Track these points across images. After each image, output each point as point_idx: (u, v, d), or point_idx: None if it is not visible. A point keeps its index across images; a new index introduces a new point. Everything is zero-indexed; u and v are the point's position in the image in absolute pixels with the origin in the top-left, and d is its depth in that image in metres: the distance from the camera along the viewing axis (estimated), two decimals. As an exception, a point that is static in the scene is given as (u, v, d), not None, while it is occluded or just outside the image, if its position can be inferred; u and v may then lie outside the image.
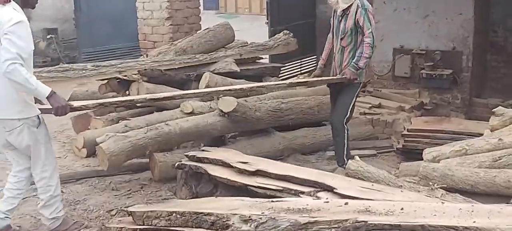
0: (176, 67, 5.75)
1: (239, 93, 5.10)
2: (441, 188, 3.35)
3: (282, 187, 3.25)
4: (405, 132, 5.50)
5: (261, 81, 6.45)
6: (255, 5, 20.04)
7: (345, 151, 4.90)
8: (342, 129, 4.86)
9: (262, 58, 6.96)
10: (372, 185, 3.25)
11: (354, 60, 4.70)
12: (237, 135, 5.52)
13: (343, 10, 4.75)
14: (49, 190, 3.63)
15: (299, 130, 5.64)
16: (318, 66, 5.22)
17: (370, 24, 4.65)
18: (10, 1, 3.37)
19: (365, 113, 7.05)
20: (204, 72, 5.79)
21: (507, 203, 3.20)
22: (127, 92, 5.64)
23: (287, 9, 8.73)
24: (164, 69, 5.58)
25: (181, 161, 3.88)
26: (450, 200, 3.24)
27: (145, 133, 4.67)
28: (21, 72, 3.22)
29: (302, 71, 9.30)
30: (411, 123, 5.67)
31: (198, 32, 6.92)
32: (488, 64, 8.22)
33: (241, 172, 3.50)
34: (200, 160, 3.75)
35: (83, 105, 3.78)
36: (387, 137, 6.42)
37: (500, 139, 3.53)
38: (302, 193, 3.16)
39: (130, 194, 4.63)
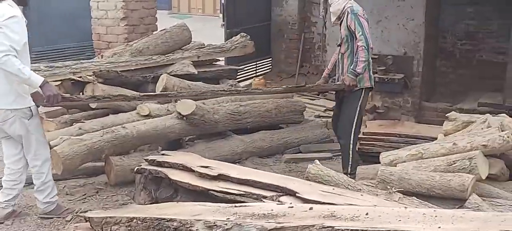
0: (133, 68, 5.64)
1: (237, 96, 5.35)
2: (398, 191, 3.44)
3: (244, 191, 3.24)
4: (361, 135, 5.60)
5: (218, 83, 6.43)
6: (209, 6, 19.95)
7: (350, 162, 4.81)
8: (347, 139, 4.79)
9: (219, 60, 6.93)
10: (333, 189, 3.29)
11: (351, 66, 4.69)
12: (194, 138, 5.47)
13: (338, 18, 4.81)
14: (41, 176, 3.89)
15: (257, 133, 5.65)
16: (322, 76, 5.21)
17: (361, 27, 4.66)
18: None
19: (320, 116, 7.15)
20: (161, 74, 5.71)
21: (461, 206, 3.33)
22: (81, 94, 5.48)
23: (243, 12, 8.74)
24: (120, 71, 5.47)
25: (140, 165, 3.80)
26: (408, 203, 3.32)
27: (101, 136, 4.56)
28: (14, 63, 3.44)
29: (258, 74, 9.32)
30: (366, 126, 5.77)
31: (154, 33, 6.81)
32: (437, 70, 8.51)
33: (203, 176, 3.46)
34: (160, 164, 3.68)
35: (76, 97, 4.03)
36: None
37: (455, 143, 3.65)
38: (265, 197, 3.16)
39: (85, 198, 4.50)
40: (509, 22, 7.99)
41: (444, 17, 8.44)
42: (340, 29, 4.88)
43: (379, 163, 5.41)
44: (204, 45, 6.79)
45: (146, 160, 3.77)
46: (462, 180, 3.37)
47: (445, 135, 4.16)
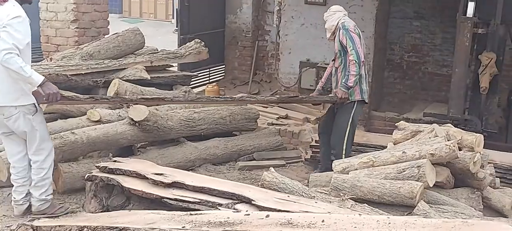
0: (83, 72, 5.49)
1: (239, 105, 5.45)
2: (350, 198, 3.52)
3: (199, 199, 3.23)
4: (313, 143, 5.69)
5: (171, 89, 6.36)
6: (161, 10, 19.71)
7: None
8: (340, 151, 4.89)
9: (172, 66, 6.86)
10: (288, 196, 3.33)
11: (343, 80, 4.84)
12: (147, 144, 5.39)
13: (332, 34, 5.03)
14: (41, 172, 3.91)
15: (210, 140, 5.63)
16: (316, 88, 5.37)
17: (352, 42, 4.81)
18: (7, 0, 3.70)
19: (272, 124, 7.19)
20: (112, 79, 5.59)
21: (410, 213, 3.43)
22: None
23: (197, 18, 8.70)
24: (70, 75, 5.31)
25: (91, 172, 3.70)
26: (360, 210, 3.40)
27: (47, 141, 4.40)
28: (16, 61, 3.54)
29: (211, 80, 9.29)
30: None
31: (105, 36, 6.67)
32: (385, 80, 8.77)
33: (156, 183, 3.42)
34: (112, 171, 3.61)
35: (75, 96, 4.04)
36: (294, 148, 6.60)
37: (404, 152, 3.77)
38: (220, 205, 3.16)
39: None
40: (452, 36, 8.36)
41: (392, 30, 8.72)
42: (334, 45, 5.05)
43: (330, 169, 5.58)
44: (157, 50, 6.70)
45: (97, 167, 3.68)
46: (411, 188, 3.48)
47: (394, 144, 4.28)
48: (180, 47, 6.84)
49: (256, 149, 5.94)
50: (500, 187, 4.45)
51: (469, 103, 6.37)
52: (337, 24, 4.99)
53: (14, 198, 4.03)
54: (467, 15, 5.75)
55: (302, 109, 7.81)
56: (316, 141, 5.68)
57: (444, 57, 8.49)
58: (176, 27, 8.69)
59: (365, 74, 5.07)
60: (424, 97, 8.57)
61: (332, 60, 5.23)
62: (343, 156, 4.82)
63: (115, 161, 3.83)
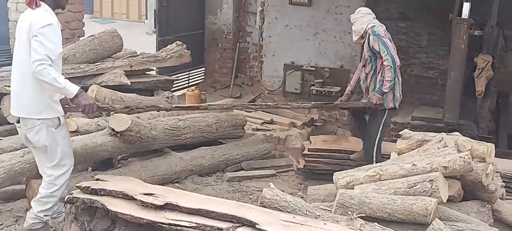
0: (58, 78, 5.05)
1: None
2: (359, 217, 3.23)
3: (196, 223, 2.88)
4: (306, 152, 5.40)
5: (152, 95, 5.99)
6: (133, 11, 19.15)
7: None
8: (370, 159, 4.85)
9: (152, 70, 6.48)
10: (294, 217, 3.02)
11: (378, 86, 4.74)
12: (128, 156, 5.01)
13: (361, 37, 4.93)
14: (51, 187, 3.62)
15: (196, 150, 5.29)
16: (345, 93, 5.26)
17: (385, 47, 4.71)
18: (40, 4, 3.44)
19: (257, 129, 6.88)
20: (90, 85, 5.20)
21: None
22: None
23: (176, 19, 8.33)
24: (44, 81, 4.87)
25: (71, 193, 3.31)
26: (370, 230, 3.12)
27: (22, 156, 4.04)
28: (50, 72, 3.32)
29: (190, 84, 8.92)
30: (310, 142, 5.58)
31: (81, 39, 6.24)
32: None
33: (146, 206, 3.06)
34: (95, 192, 3.22)
35: (110, 106, 3.86)
36: (280, 154, 6.29)
37: (414, 164, 3.50)
38: (220, 229, 2.82)
39: (1, 228, 3.92)
40: (438, 38, 8.21)
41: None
42: (363, 49, 4.96)
43: (325, 180, 5.29)
44: (136, 53, 6.31)
45: (78, 187, 3.29)
46: (424, 204, 3.21)
47: (398, 154, 4.01)
48: (161, 50, 6.46)
49: (244, 158, 5.62)
50: (506, 197, 4.23)
51: (461, 107, 6.18)
52: (366, 28, 4.86)
53: (33, 209, 3.72)
54: (462, 17, 5.55)
55: (288, 114, 7.52)
56: (309, 149, 5.39)
57: (430, 60, 8.32)
58: (154, 28, 8.28)
59: (400, 79, 5.01)
60: (410, 100, 8.34)
61: (363, 66, 5.08)
62: (374, 162, 4.75)
63: (97, 179, 3.44)
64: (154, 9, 8.15)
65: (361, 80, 5.06)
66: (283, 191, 4.81)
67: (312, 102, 5.20)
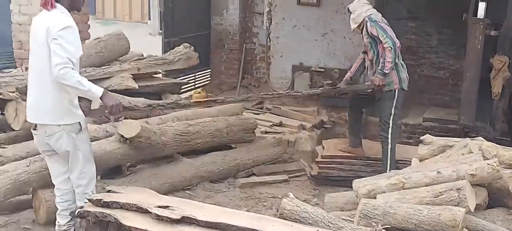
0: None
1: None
2: (384, 228, 3.09)
3: (215, 237, 2.74)
4: (319, 158, 5.26)
5: (160, 98, 5.84)
6: (136, 11, 19.00)
7: (389, 165, 4.94)
8: (386, 141, 4.97)
9: (159, 73, 6.34)
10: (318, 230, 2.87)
11: (379, 67, 4.85)
12: (136, 163, 4.87)
13: (358, 28, 5.03)
14: (85, 197, 3.43)
15: (207, 155, 5.15)
16: (344, 79, 5.35)
17: (383, 31, 4.84)
18: (56, 6, 3.32)
19: (266, 132, 6.74)
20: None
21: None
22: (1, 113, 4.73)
23: (181, 20, 8.18)
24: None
25: (82, 207, 3.16)
26: (396, 242, 2.98)
27: (28, 166, 3.89)
28: (74, 75, 3.22)
29: (196, 86, 8.78)
30: (323, 148, 5.44)
31: (86, 42, 6.09)
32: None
33: (162, 219, 2.92)
34: (108, 205, 3.08)
35: (135, 105, 3.72)
36: (290, 157, 6.13)
37: (439, 172, 3.36)
38: (241, 244, 2.68)
39: (9, 240, 3.79)
40: (448, 37, 8.07)
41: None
42: (363, 38, 5.07)
43: (339, 186, 5.16)
44: (143, 56, 6.17)
45: (89, 200, 3.15)
46: (453, 215, 3.06)
47: (420, 160, 3.88)
48: (169, 53, 6.32)
49: (255, 163, 5.48)
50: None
51: (476, 109, 6.04)
52: (364, 16, 4.95)
53: (58, 222, 3.64)
54: (478, 16, 5.42)
55: (297, 116, 7.39)
56: (322, 156, 5.25)
57: (441, 60, 8.17)
58: (160, 30, 8.14)
59: (402, 62, 5.11)
60: (421, 101, 8.21)
61: (363, 53, 5.23)
62: (389, 147, 4.93)
63: (109, 191, 3.30)
64: (160, 11, 8.00)
65: (368, 68, 5.13)
66: (296, 197, 4.73)
67: (320, 88, 5.42)
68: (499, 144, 5.04)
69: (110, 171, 4.56)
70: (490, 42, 5.67)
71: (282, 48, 7.86)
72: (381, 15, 5.08)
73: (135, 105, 3.77)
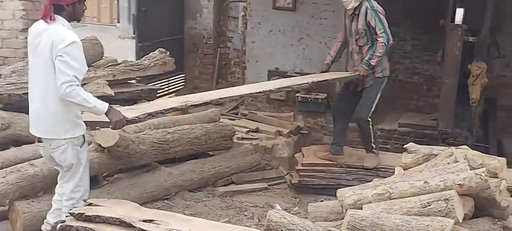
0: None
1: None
2: (372, 239, 3.04)
3: (203, 253, 2.64)
4: (299, 166, 5.19)
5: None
6: (105, 14, 18.68)
7: (373, 139, 5.14)
8: (366, 124, 5.04)
9: (134, 79, 6.18)
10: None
11: (366, 58, 4.89)
12: (113, 172, 4.71)
13: (353, 10, 4.92)
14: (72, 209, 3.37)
15: (186, 163, 5.03)
16: (325, 63, 5.36)
17: (382, 24, 4.86)
18: (55, 18, 3.27)
19: (242, 138, 6.64)
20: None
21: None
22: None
23: (155, 24, 8.03)
24: (23, 93, 4.53)
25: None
26: (386, 254, 2.93)
27: (4, 177, 3.71)
28: (79, 93, 3.21)
29: (170, 91, 8.63)
30: (303, 155, 5.38)
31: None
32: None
33: (146, 233, 2.80)
34: (90, 219, 2.94)
35: (136, 117, 3.67)
36: (267, 164, 6.06)
37: (426, 181, 3.34)
38: (231, 261, 2.59)
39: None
40: (422, 43, 8.13)
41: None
42: (354, 22, 4.96)
43: (319, 194, 5.11)
44: (117, 61, 5.99)
45: (71, 214, 3.00)
46: (441, 226, 3.04)
47: (404, 169, 3.85)
48: (144, 58, 6.16)
49: (234, 171, 5.39)
50: None
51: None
52: (367, 5, 4.88)
53: (47, 220, 3.58)
54: (456, 23, 5.46)
55: (273, 122, 7.32)
56: (302, 164, 5.19)
57: (415, 65, 8.23)
58: (133, 34, 7.96)
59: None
60: (395, 106, 8.25)
61: (356, 39, 5.03)
62: (370, 127, 5.05)
63: (90, 204, 3.15)
64: (133, 14, 7.82)
65: (355, 52, 5.07)
66: (277, 204, 4.65)
67: (311, 80, 5.16)
68: (476, 150, 5.12)
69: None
70: (467, 49, 5.72)
71: (258, 53, 7.78)
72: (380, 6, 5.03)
73: (137, 117, 3.68)
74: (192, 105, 4.19)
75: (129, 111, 3.69)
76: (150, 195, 4.54)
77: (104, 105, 3.36)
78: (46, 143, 3.40)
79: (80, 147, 3.44)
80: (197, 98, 4.32)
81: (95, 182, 4.43)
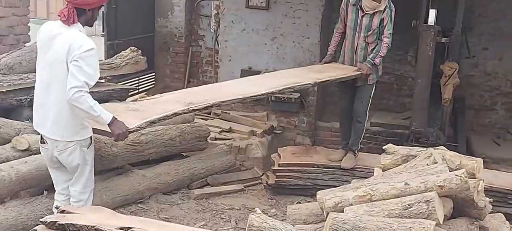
0: (4, 90, 4.53)
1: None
2: (354, 242, 3.01)
3: (185, 261, 2.55)
4: (276, 167, 5.14)
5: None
6: (70, 11, 18.19)
7: (361, 138, 5.26)
8: (364, 117, 5.19)
9: (105, 78, 6.01)
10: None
11: (370, 56, 4.93)
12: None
13: (373, 8, 4.89)
14: None
15: (160, 165, 4.91)
16: (328, 54, 5.34)
17: (391, 27, 4.93)
18: (76, 22, 3.28)
19: (216, 139, 6.55)
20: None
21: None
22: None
23: (125, 22, 7.84)
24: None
25: None
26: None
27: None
28: (86, 100, 3.20)
29: (140, 90, 8.45)
30: (279, 156, 5.32)
31: (27, 45, 5.65)
32: (326, 89, 8.41)
33: (125, 241, 2.69)
34: (63, 227, 2.81)
35: (138, 126, 3.61)
36: (241, 164, 5.99)
37: (407, 183, 3.33)
38: (214, 268, 2.51)
39: None
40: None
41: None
42: (366, 18, 4.92)
43: (295, 195, 5.08)
44: (87, 60, 5.79)
45: (42, 223, 2.86)
46: (423, 228, 3.03)
47: (383, 170, 3.84)
48: (115, 57, 5.99)
49: (209, 172, 5.30)
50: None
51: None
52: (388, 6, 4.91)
53: None
54: (429, 24, 5.51)
55: (246, 122, 7.24)
56: (279, 164, 5.13)
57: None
58: (102, 32, 7.75)
59: None
60: (366, 105, 8.31)
61: (366, 35, 4.96)
62: (364, 126, 5.23)
63: (63, 211, 3.02)
64: (102, 12, 7.61)
65: (359, 48, 5.03)
66: (254, 208, 4.59)
67: (313, 81, 4.94)
68: (448, 149, 5.18)
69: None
70: (439, 49, 5.79)
71: (231, 51, 7.69)
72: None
73: (139, 126, 3.62)
74: (194, 109, 4.07)
75: (126, 118, 3.57)
76: (123, 198, 4.41)
77: (108, 116, 3.34)
78: (52, 144, 3.38)
79: (87, 148, 3.45)
80: (199, 100, 4.15)
81: (66, 186, 4.28)
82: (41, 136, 3.43)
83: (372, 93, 5.22)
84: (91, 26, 3.56)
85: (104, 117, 3.31)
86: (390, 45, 4.95)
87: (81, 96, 3.17)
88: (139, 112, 3.84)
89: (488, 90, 7.93)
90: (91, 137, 3.48)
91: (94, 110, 3.24)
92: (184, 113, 4.12)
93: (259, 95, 4.53)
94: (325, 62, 5.30)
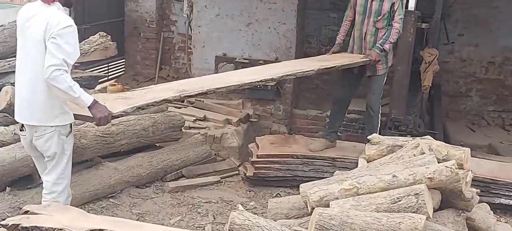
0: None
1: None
2: (342, 239, 2.86)
3: (163, 265, 2.34)
4: (255, 159, 4.94)
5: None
6: (35, -6, 17.55)
7: (377, 131, 4.90)
8: (378, 109, 5.03)
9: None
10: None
11: (379, 42, 4.78)
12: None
13: None
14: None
15: (132, 157, 4.67)
16: (336, 43, 5.17)
17: (402, 13, 4.78)
18: (56, 1, 3.14)
19: (190, 127, 6.32)
20: (2, 85, 4.39)
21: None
22: None
23: (93, 6, 7.51)
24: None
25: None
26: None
27: None
28: (66, 80, 3.05)
29: (110, 77, 8.13)
30: (257, 146, 5.13)
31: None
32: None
33: (96, 244, 2.46)
34: (27, 230, 2.55)
35: (123, 111, 3.44)
36: (216, 154, 5.78)
37: (394, 175, 3.19)
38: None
39: None
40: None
41: (309, 22, 8.25)
42: (376, 3, 4.80)
43: (274, 187, 4.91)
44: (53, 46, 5.47)
45: (4, 226, 2.60)
46: (413, 223, 2.89)
47: (367, 161, 3.70)
48: (83, 42, 5.65)
49: (184, 163, 5.08)
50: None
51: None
52: None
53: None
54: (409, 9, 5.38)
55: (221, 110, 7.03)
56: (257, 155, 4.94)
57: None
58: (70, 16, 7.38)
59: None
60: (342, 92, 8.19)
61: (376, 21, 4.82)
62: (379, 114, 5.05)
63: (27, 212, 2.76)
64: (69, -5, 7.24)
65: (369, 34, 4.88)
66: (232, 201, 4.40)
67: (317, 68, 4.74)
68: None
69: (21, 181, 3.94)
70: (418, 36, 5.68)
71: (204, 37, 7.45)
72: None
73: (124, 111, 3.42)
74: (186, 96, 3.89)
75: (115, 105, 3.34)
76: (93, 193, 4.16)
77: (89, 99, 3.17)
78: (30, 130, 3.21)
79: (66, 137, 3.25)
80: (192, 88, 3.95)
81: (29, 181, 4.00)
82: (22, 124, 3.26)
83: (383, 85, 5.05)
84: (70, 6, 3.43)
85: (84, 99, 3.14)
86: (401, 31, 4.80)
87: (59, 75, 2.99)
88: (128, 99, 3.63)
89: (463, 77, 7.93)
90: (71, 125, 3.28)
91: (74, 91, 3.06)
92: (175, 100, 3.95)
93: (257, 82, 4.36)
94: (333, 53, 5.12)
